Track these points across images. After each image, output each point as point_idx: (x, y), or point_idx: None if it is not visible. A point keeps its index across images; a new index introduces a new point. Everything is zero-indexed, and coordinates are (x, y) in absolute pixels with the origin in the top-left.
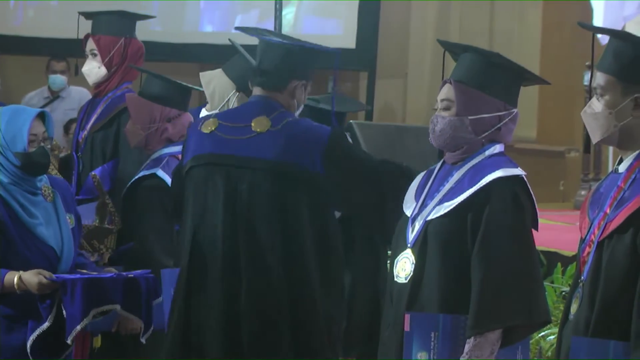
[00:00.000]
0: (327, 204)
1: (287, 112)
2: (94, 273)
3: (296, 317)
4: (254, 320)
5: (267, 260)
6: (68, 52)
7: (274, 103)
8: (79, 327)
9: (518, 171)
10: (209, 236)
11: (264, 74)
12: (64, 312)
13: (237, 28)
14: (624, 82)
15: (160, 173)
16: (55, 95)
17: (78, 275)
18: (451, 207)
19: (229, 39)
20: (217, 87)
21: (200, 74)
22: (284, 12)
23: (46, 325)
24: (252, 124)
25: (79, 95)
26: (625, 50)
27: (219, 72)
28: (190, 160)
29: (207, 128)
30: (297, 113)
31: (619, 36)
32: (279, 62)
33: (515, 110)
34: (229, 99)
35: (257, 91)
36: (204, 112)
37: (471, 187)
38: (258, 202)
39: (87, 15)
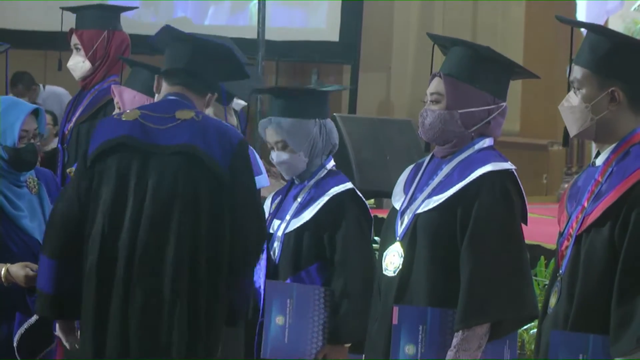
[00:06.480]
0: (222, 203)
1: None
2: None
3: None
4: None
5: (165, 251)
6: (52, 45)
7: (193, 105)
8: None
9: (508, 165)
10: (118, 227)
11: (193, 75)
12: None
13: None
14: (600, 75)
15: None
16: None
17: None
18: (441, 201)
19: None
20: None
21: None
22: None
23: (34, 319)
24: (176, 114)
25: (53, 95)
26: (601, 44)
27: None
28: (100, 146)
29: (128, 116)
30: None
31: (595, 30)
32: (211, 68)
33: (504, 104)
34: None
35: (177, 89)
36: None
37: (461, 181)
38: (166, 183)
39: (71, 10)
